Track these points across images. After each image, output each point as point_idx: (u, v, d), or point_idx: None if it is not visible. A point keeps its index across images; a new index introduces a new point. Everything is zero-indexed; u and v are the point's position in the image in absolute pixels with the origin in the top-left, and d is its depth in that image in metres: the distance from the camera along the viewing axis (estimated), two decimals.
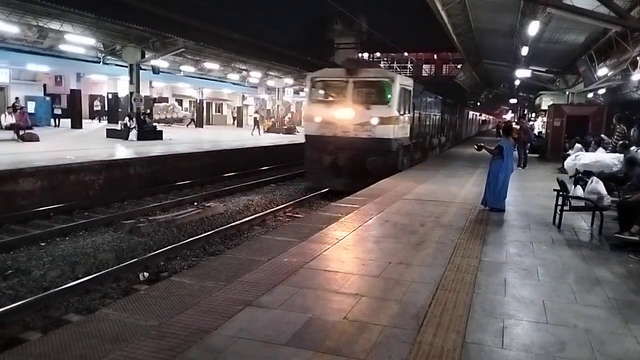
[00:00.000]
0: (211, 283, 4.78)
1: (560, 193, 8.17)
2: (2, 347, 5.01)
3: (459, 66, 47.10)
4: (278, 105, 40.09)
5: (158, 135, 23.03)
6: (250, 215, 11.89)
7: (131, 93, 23.21)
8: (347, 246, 6.37)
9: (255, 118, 34.91)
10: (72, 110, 28.57)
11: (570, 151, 16.53)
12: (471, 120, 43.07)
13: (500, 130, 9.61)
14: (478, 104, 62.85)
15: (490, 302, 4.60)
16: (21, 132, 18.85)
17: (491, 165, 9.18)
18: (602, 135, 17.36)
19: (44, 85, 31.54)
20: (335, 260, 5.73)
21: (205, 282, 4.81)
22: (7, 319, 5.85)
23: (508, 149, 9.09)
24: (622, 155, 11.27)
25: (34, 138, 18.81)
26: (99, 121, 35.38)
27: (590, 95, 25.31)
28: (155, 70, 24.87)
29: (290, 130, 35.37)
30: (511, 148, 9.35)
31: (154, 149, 18.09)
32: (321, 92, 15.52)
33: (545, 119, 26.01)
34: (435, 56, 55.91)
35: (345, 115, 14.17)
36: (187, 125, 38.47)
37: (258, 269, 5.26)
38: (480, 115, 54.35)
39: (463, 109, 35.90)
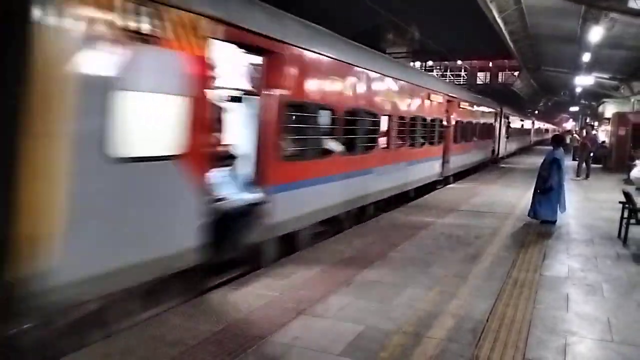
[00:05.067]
0: (266, 291, 4.87)
1: (626, 205, 7.81)
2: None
3: (515, 73, 45.68)
4: None
5: None
6: None
7: None
8: (401, 257, 6.33)
9: None
10: None
11: (636, 161, 15.75)
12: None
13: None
14: (536, 112, 60.62)
15: (551, 318, 4.44)
16: None
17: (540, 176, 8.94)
18: None
19: None
20: (389, 272, 5.70)
21: (260, 290, 4.91)
22: None
23: (560, 160, 8.78)
24: None
25: None
26: None
27: None
28: None
29: None
30: (563, 159, 9.00)
31: None
32: None
33: (608, 127, 24.89)
34: (490, 64, 54.44)
35: None
36: None
37: (311, 278, 5.31)
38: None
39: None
